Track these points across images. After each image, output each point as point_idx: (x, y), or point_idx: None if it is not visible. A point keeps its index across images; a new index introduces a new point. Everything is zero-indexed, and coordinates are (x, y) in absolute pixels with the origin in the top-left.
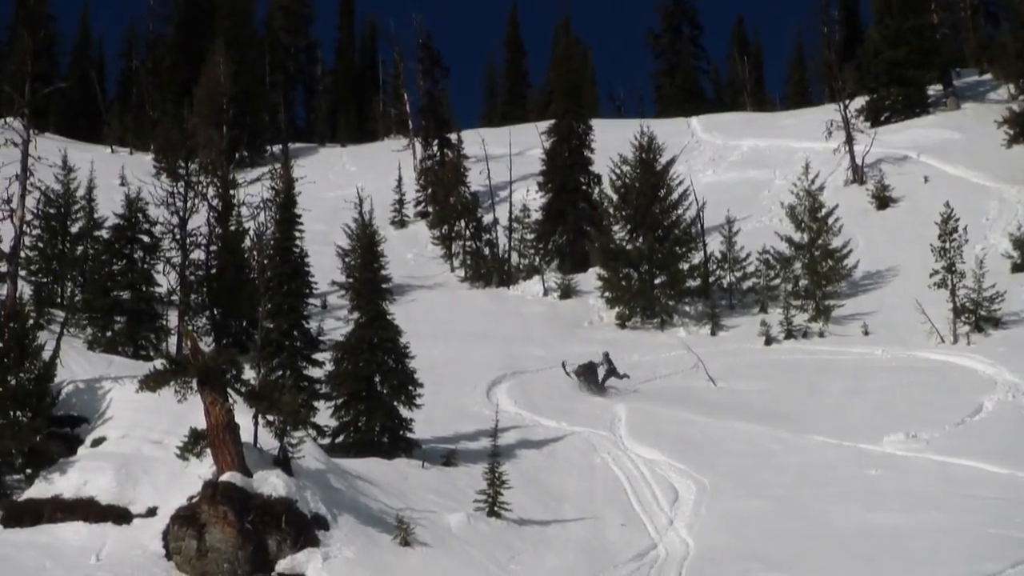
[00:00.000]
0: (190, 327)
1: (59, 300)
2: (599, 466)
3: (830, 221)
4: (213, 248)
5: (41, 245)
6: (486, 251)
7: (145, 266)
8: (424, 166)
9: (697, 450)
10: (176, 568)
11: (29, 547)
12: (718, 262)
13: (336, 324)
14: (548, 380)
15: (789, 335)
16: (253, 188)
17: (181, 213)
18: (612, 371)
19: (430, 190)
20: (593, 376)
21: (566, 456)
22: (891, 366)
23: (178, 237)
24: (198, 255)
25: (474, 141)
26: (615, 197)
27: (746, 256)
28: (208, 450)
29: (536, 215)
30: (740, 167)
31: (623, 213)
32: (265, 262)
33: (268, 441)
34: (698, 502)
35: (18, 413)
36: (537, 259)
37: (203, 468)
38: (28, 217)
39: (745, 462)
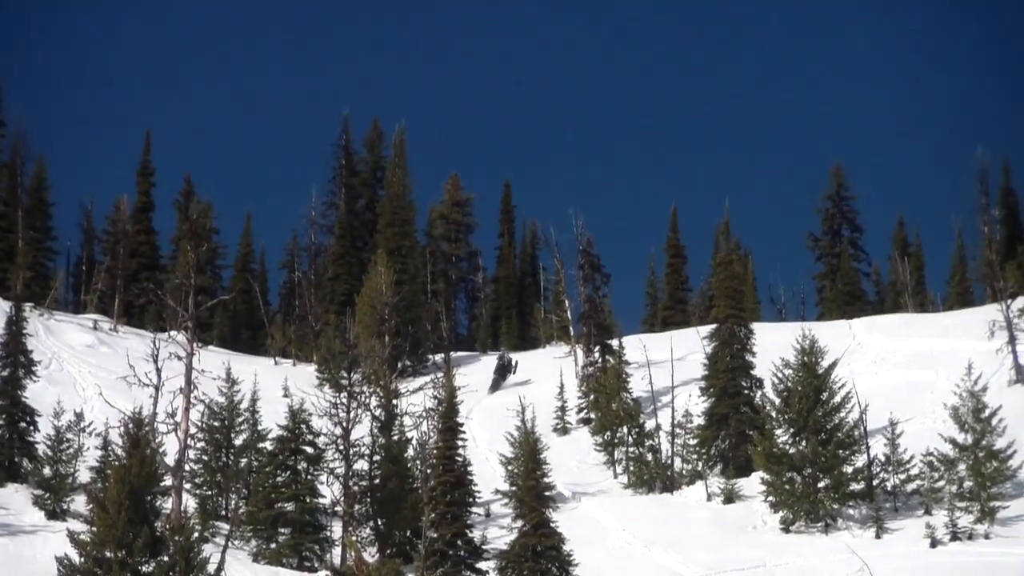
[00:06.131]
0: (354, 538)
1: (224, 512)
2: None
3: (994, 422)
4: (376, 458)
5: (205, 458)
6: (649, 457)
7: (309, 477)
8: (586, 372)
9: None
10: None
11: None
12: (882, 464)
13: (500, 533)
14: None
15: (954, 537)
16: (416, 397)
17: (344, 424)
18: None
19: (592, 396)
20: (502, 375)
21: None
22: None
23: (341, 448)
24: (361, 465)
25: (635, 347)
26: (777, 401)
27: (910, 458)
28: None
29: (698, 420)
30: (902, 368)
31: (785, 417)
32: (428, 471)
33: None
34: None
35: None
36: (700, 464)
37: None
38: (192, 430)
39: None
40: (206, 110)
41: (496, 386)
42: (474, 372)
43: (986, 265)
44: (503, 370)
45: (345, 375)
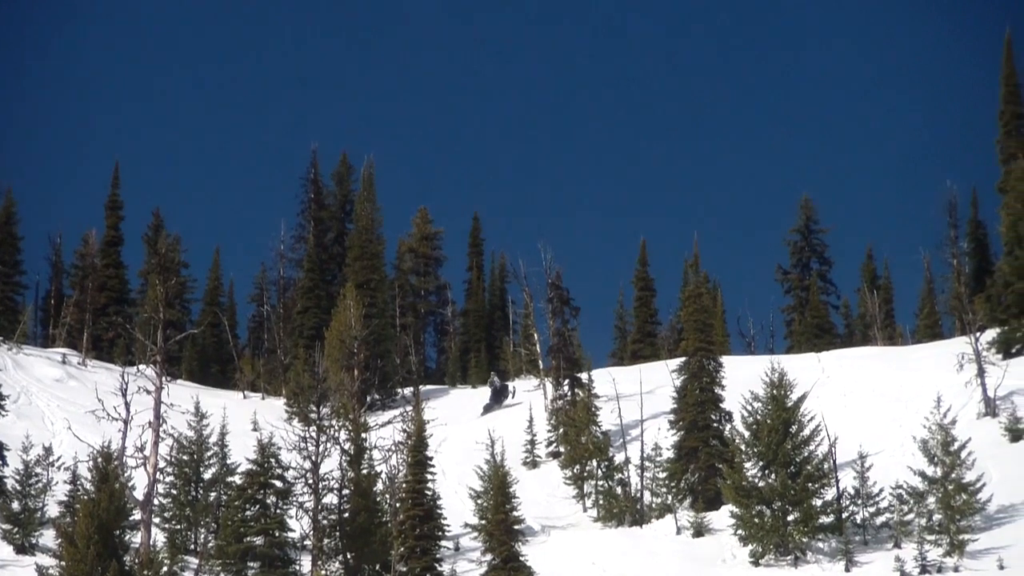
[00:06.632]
0: (324, 572)
1: (193, 547)
2: None
3: (963, 455)
4: (345, 492)
5: (174, 492)
6: (618, 490)
7: (278, 511)
8: (555, 406)
9: None
10: None
11: None
12: (851, 497)
13: (469, 566)
14: None
15: (924, 570)
16: (384, 431)
17: (313, 457)
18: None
19: (561, 430)
20: (497, 397)
21: None
22: None
23: (310, 481)
24: (330, 499)
25: (605, 380)
26: (747, 434)
27: (879, 491)
28: None
29: (668, 453)
30: (871, 401)
31: (755, 450)
32: (397, 505)
33: None
34: None
35: None
36: (670, 498)
37: None
38: (161, 464)
39: None
40: (175, 144)
41: (489, 409)
42: (443, 405)
43: (955, 298)
44: (498, 394)
45: (314, 409)
